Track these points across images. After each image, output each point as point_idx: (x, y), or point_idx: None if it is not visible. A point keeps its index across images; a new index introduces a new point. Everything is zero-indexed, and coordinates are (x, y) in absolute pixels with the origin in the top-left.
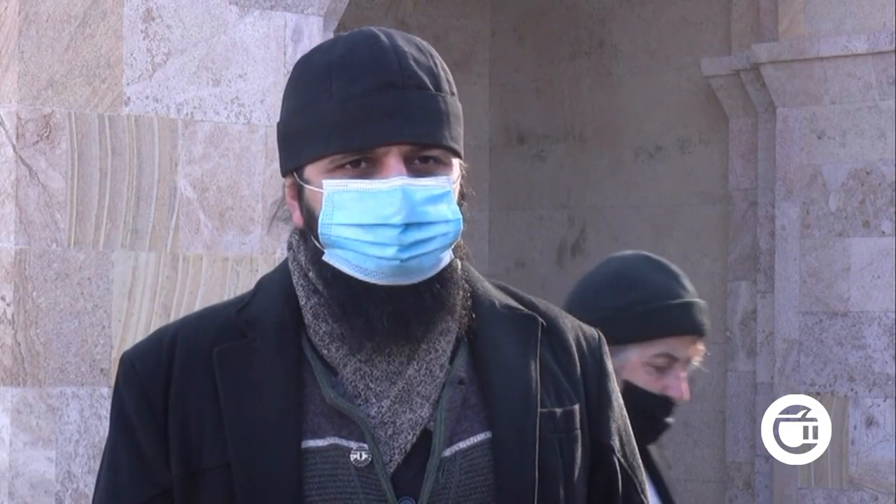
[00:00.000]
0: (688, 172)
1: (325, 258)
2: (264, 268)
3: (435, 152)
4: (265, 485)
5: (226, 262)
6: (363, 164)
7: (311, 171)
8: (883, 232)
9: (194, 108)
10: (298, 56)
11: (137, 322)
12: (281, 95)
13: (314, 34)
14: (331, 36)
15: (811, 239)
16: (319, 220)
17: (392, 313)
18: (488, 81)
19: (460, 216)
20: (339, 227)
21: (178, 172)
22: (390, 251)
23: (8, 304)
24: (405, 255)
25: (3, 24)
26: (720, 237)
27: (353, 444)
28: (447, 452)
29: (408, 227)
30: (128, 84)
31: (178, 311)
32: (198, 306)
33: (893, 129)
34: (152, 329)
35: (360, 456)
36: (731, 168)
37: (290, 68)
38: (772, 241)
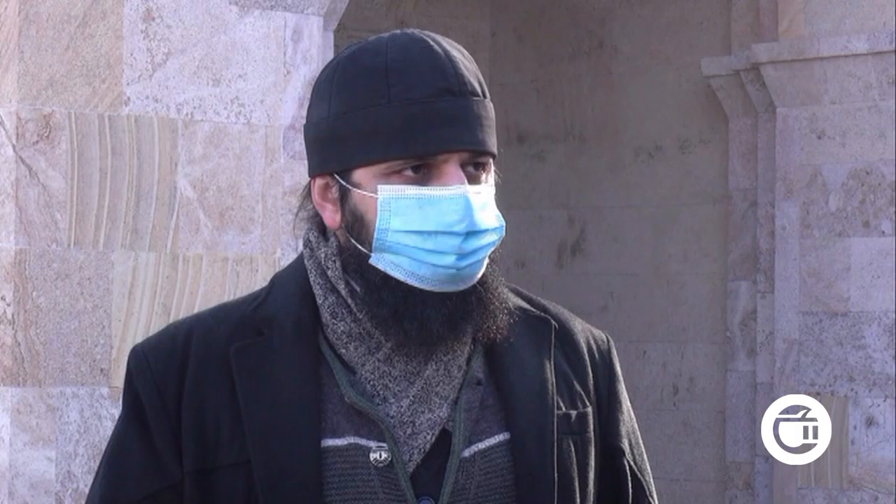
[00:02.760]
0: (688, 172)
1: (372, 261)
2: (264, 268)
3: (484, 159)
4: (285, 483)
5: (226, 262)
6: (421, 170)
7: (361, 174)
8: (883, 232)
9: (194, 108)
10: (298, 56)
11: (137, 322)
12: (281, 95)
13: (314, 34)
14: (331, 36)
15: (811, 239)
16: (376, 225)
17: (445, 317)
18: (488, 81)
19: (504, 222)
20: (398, 233)
21: (178, 172)
22: (449, 259)
23: (8, 304)
24: (463, 264)
25: (3, 24)
26: (720, 237)
27: (372, 444)
28: (466, 453)
29: (468, 235)
30: (128, 84)
31: (178, 311)
32: (198, 306)
33: (893, 129)
34: (152, 329)
35: (380, 455)
36: (731, 168)
37: (290, 68)
38: (772, 241)
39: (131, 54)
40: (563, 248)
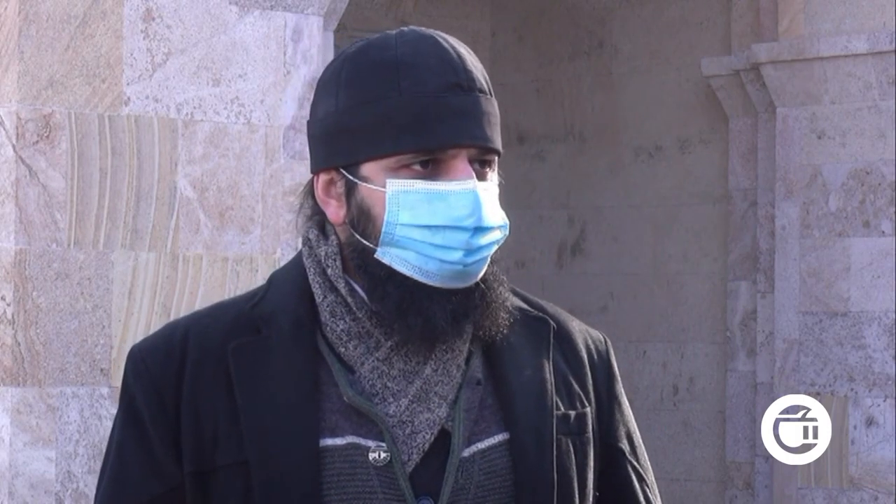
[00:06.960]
0: (688, 172)
1: (377, 255)
2: (264, 268)
3: (491, 156)
4: (283, 483)
5: (225, 261)
6: (430, 165)
7: (369, 168)
8: (883, 232)
9: (194, 108)
10: (298, 56)
11: (137, 322)
12: (281, 95)
13: (314, 34)
14: (331, 36)
15: (811, 239)
16: (385, 219)
17: (450, 313)
18: None
19: (508, 221)
20: (406, 227)
21: (178, 172)
22: (457, 255)
23: (8, 304)
24: (470, 260)
25: (3, 24)
26: (720, 237)
27: (371, 443)
28: (466, 453)
29: (476, 230)
30: (128, 84)
31: (178, 311)
32: (198, 306)
33: (893, 129)
34: (152, 329)
35: (379, 455)
36: (731, 168)
37: (290, 68)
38: (772, 241)
39: (131, 54)
40: (563, 248)
